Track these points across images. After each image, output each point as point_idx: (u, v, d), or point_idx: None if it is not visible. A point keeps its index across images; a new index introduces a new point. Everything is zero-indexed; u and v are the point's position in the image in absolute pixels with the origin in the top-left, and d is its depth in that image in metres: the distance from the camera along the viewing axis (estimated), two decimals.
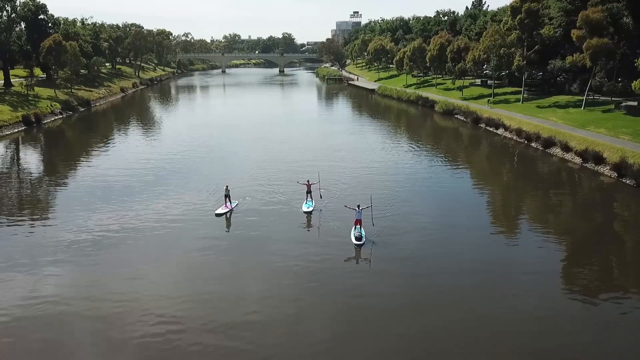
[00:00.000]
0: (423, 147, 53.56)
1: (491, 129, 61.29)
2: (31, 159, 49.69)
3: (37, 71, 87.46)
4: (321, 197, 32.76)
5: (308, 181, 32.39)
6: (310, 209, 31.48)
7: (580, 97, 62.19)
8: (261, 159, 46.11)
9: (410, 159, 47.87)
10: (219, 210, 31.21)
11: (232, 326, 19.21)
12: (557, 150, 47.50)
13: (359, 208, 26.78)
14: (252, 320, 19.57)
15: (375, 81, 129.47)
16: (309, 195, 32.19)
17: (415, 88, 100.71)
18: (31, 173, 44.41)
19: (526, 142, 52.64)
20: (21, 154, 52.07)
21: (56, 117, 71.43)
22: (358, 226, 26.69)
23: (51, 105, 72.69)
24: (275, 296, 21.51)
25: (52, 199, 35.53)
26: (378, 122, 75.62)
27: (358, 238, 26.11)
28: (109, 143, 55.98)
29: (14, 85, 76.05)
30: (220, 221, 30.51)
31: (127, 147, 53.93)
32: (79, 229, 28.53)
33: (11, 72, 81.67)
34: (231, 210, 31.47)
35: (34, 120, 64.28)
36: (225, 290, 22.02)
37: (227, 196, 31.61)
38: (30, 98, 71.86)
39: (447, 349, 18.26)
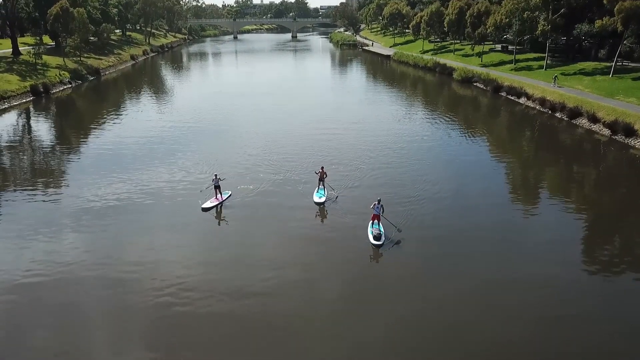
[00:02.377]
0: (440, 117, 51.40)
1: (512, 98, 58.76)
2: (41, 130, 48.73)
3: (46, 39, 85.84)
4: (335, 195, 28.56)
5: (322, 168, 28.87)
6: (323, 199, 27.95)
7: (608, 64, 59.16)
8: (272, 132, 44.52)
9: (428, 129, 45.93)
10: (207, 204, 26.95)
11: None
12: (583, 121, 45.17)
13: (379, 202, 23.58)
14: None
15: (390, 47, 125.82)
16: (321, 183, 28.58)
17: (432, 54, 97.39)
18: (42, 143, 43.72)
19: (550, 112, 50.24)
20: (31, 125, 51.06)
21: (65, 87, 70.20)
22: (376, 222, 23.65)
23: (60, 74, 71.36)
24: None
25: (64, 168, 35.53)
26: (394, 90, 73.11)
27: (377, 237, 23.00)
28: (119, 113, 54.98)
29: (22, 54, 74.67)
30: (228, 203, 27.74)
31: (138, 117, 52.87)
32: (91, 197, 28.91)
33: (19, 40, 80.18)
34: (222, 203, 27.52)
35: (42, 90, 63.12)
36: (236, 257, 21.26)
37: (217, 187, 27.42)
38: (38, 67, 70.56)
39: (461, 316, 18.13)
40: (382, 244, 22.87)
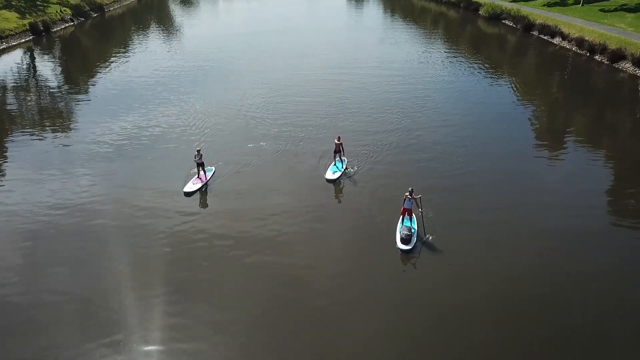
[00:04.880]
0: (464, 59, 47.56)
1: (545, 38, 54.23)
2: (44, 71, 46.08)
3: None
4: (350, 170, 24.19)
5: (339, 138, 23.80)
6: (337, 174, 23.37)
7: None
8: (282, 78, 41.25)
9: (451, 72, 42.44)
10: (189, 188, 22.32)
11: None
12: (626, 65, 41.20)
13: (411, 194, 18.45)
14: None
15: None
16: (337, 155, 23.81)
17: None
18: (45, 85, 41.52)
19: (588, 54, 46.05)
20: (32, 66, 48.21)
21: (67, 25, 66.43)
22: (407, 218, 18.73)
23: (61, 11, 67.40)
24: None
25: (70, 110, 34.45)
26: (414, 29, 68.32)
27: (405, 239, 17.75)
28: (125, 53, 52.21)
29: None
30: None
31: (144, 57, 50.11)
32: (100, 138, 28.47)
33: None
34: (207, 184, 23.04)
35: (42, 28, 59.57)
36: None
37: (200, 165, 22.77)
38: (38, 3, 66.64)
39: (475, 265, 17.40)
40: (412, 248, 17.85)
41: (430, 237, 18.51)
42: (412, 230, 18.28)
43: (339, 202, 22.35)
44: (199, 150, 22.94)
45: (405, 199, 18.56)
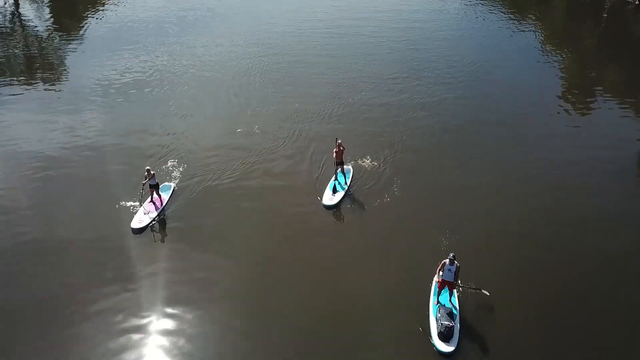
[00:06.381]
0: (484, 4, 41.99)
1: None
2: (30, 17, 41.40)
3: None
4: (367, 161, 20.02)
5: (338, 143, 18.05)
6: (339, 195, 17.87)
7: None
8: (283, 36, 35.63)
9: (465, 19, 38.23)
10: (139, 220, 17.08)
11: None
12: None
13: (452, 262, 12.89)
14: None
15: None
16: (340, 167, 18.42)
17: None
18: (36, 31, 38.09)
19: (638, 2, 39.86)
20: (16, 14, 42.95)
21: None
22: (446, 293, 13.33)
23: None
24: None
25: (64, 54, 33.13)
26: None
27: (445, 334, 12.29)
28: None
29: None
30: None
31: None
32: (98, 79, 28.18)
33: None
34: (163, 211, 17.72)
35: None
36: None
37: (153, 186, 17.71)
38: None
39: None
40: (455, 350, 12.22)
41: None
42: (453, 319, 12.55)
43: (343, 247, 15.89)
44: (149, 169, 17.53)
45: (443, 268, 12.95)
